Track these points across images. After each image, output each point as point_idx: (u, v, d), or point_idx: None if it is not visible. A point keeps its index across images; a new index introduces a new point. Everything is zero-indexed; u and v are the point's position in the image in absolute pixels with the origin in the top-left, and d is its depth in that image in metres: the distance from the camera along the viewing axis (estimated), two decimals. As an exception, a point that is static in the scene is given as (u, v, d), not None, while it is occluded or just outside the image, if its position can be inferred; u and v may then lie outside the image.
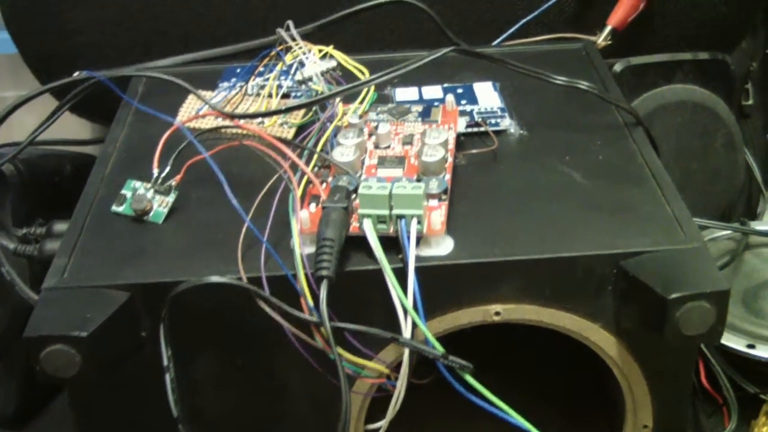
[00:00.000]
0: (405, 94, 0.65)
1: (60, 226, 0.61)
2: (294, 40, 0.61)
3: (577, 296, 0.52)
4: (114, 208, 0.56)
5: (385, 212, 0.50)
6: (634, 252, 0.51)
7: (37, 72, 0.86)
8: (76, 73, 0.59)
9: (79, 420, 0.54)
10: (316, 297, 0.49)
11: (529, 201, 0.55)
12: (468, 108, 0.63)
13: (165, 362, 0.51)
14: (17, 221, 0.66)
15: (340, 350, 0.50)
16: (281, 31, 0.62)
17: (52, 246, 0.59)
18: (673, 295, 0.48)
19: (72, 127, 0.89)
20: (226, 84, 0.67)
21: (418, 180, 0.54)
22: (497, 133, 0.60)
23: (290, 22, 0.62)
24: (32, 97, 0.62)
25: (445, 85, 0.66)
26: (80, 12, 0.81)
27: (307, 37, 0.66)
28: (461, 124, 0.60)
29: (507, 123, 0.61)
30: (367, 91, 0.60)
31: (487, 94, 0.64)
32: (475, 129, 0.61)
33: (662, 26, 0.81)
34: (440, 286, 0.51)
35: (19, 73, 0.89)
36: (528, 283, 0.52)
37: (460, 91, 0.65)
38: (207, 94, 0.65)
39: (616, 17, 0.77)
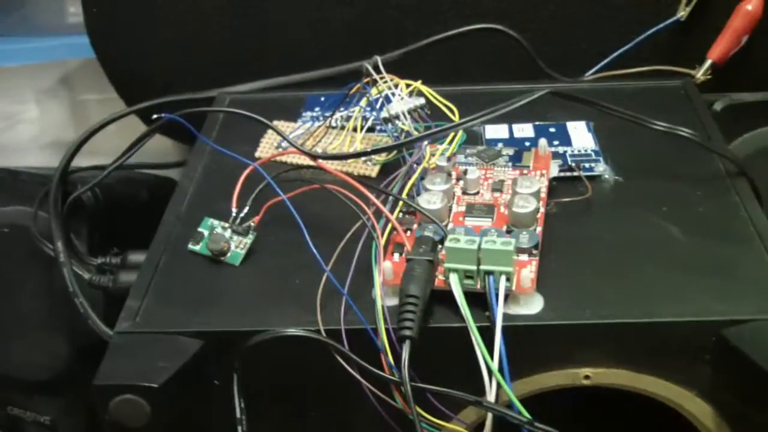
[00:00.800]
0: (495, 131, 0.63)
1: (135, 257, 0.60)
2: (379, 72, 0.59)
3: (672, 363, 0.49)
4: (190, 246, 0.55)
5: (473, 267, 0.48)
6: (736, 320, 0.48)
7: (116, 86, 0.86)
8: (154, 116, 0.57)
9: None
10: (396, 353, 0.47)
11: (623, 258, 0.52)
12: (561, 149, 0.60)
13: (238, 414, 0.49)
14: (92, 249, 0.65)
15: (419, 410, 0.47)
16: (367, 64, 0.59)
17: (127, 278, 0.58)
18: (779, 371, 0.45)
19: (151, 144, 0.88)
20: (309, 114, 0.66)
21: (508, 231, 0.51)
22: (591, 178, 0.58)
23: (378, 57, 0.60)
24: (110, 122, 0.61)
25: (537, 123, 0.63)
26: (160, 34, 0.80)
27: (392, 65, 0.64)
28: (554, 169, 0.57)
29: (602, 168, 0.59)
30: (456, 133, 0.58)
31: (581, 135, 0.62)
32: (569, 174, 0.58)
33: (766, 62, 0.77)
34: (528, 346, 0.49)
35: (103, 77, 0.88)
36: (620, 348, 0.49)
37: (552, 130, 0.62)
38: (289, 125, 0.64)
39: (718, 51, 0.73)
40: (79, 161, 0.65)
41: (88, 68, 0.97)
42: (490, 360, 0.47)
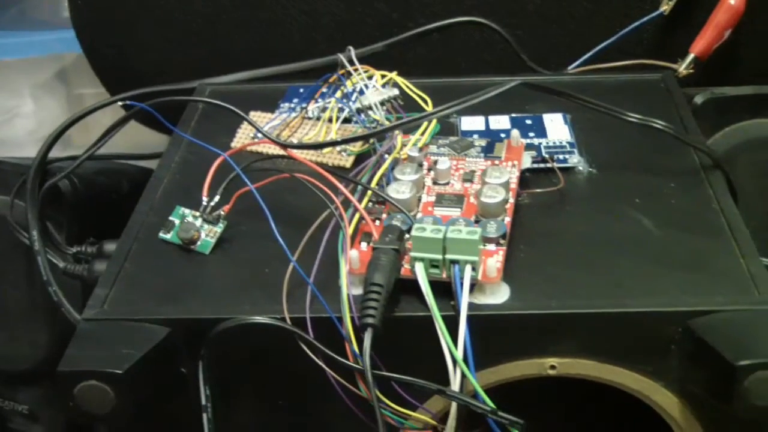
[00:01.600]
0: (471, 123, 0.62)
1: (110, 246, 0.60)
2: (353, 64, 0.59)
3: (640, 354, 0.49)
4: (161, 234, 0.55)
5: (439, 257, 0.48)
6: (703, 311, 0.48)
7: (104, 80, 0.86)
8: (120, 103, 0.57)
9: (114, 457, 0.53)
10: (362, 342, 0.46)
11: (594, 249, 0.52)
12: (536, 141, 0.60)
13: (203, 401, 0.49)
14: (70, 239, 0.65)
15: (384, 399, 0.47)
16: (341, 56, 0.59)
17: (101, 267, 0.58)
18: (743, 362, 0.45)
19: (138, 137, 0.88)
20: (286, 105, 0.65)
21: (477, 221, 0.51)
22: (565, 170, 0.58)
23: (351, 48, 0.60)
24: (82, 117, 0.61)
25: (514, 115, 0.63)
26: (146, 28, 0.80)
27: (375, 57, 0.63)
28: (527, 160, 0.57)
29: (576, 160, 0.58)
30: (429, 123, 0.58)
31: (557, 127, 0.62)
32: (542, 165, 0.58)
33: (749, 57, 0.77)
34: (493, 336, 0.48)
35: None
36: (587, 338, 0.49)
37: (528, 122, 0.62)
38: (266, 116, 0.64)
39: (700, 45, 0.73)
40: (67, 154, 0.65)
41: (85, 62, 0.97)
42: (454, 349, 0.46)
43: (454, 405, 0.48)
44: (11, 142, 1.01)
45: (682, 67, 0.72)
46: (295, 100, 0.65)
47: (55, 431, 0.71)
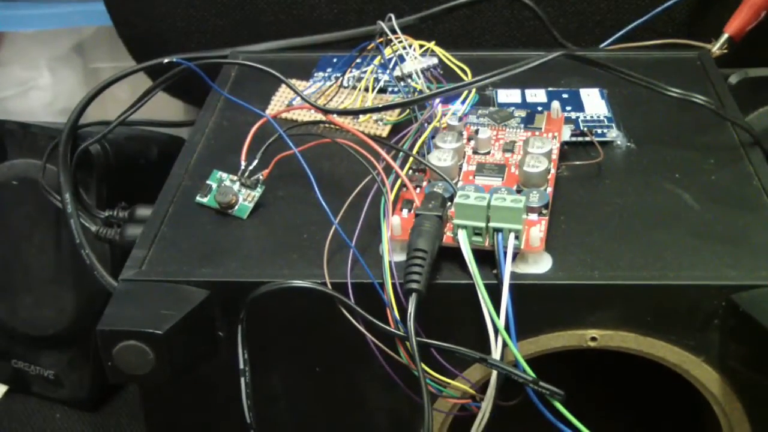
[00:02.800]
0: (507, 95, 0.62)
1: (143, 211, 0.59)
2: (394, 32, 0.58)
3: (680, 328, 0.48)
4: (198, 198, 0.54)
5: (482, 224, 0.47)
6: (747, 285, 0.47)
7: (132, 50, 0.85)
8: (165, 60, 0.57)
9: (149, 419, 0.52)
10: (402, 309, 0.46)
11: (634, 221, 0.51)
12: (573, 115, 0.60)
13: (241, 365, 0.48)
14: (100, 203, 0.64)
15: (424, 367, 0.47)
16: (382, 23, 0.59)
17: (134, 231, 0.57)
18: (788, 337, 0.44)
19: (164, 107, 0.88)
20: (321, 74, 0.65)
21: (518, 191, 0.51)
22: (603, 144, 0.57)
23: (392, 15, 0.59)
24: (119, 79, 0.60)
25: (550, 89, 0.62)
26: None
27: (407, 30, 0.63)
28: (566, 133, 0.56)
29: (614, 134, 0.58)
30: (468, 92, 0.57)
31: (594, 102, 0.61)
32: (580, 139, 0.57)
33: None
34: (535, 306, 0.48)
35: (116, 45, 0.88)
36: (628, 310, 0.48)
37: (565, 96, 0.62)
38: (301, 84, 0.63)
39: (734, 25, 0.72)
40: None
41: (102, 35, 0.96)
42: (496, 318, 0.46)
43: (494, 374, 0.47)
44: (27, 114, 1.00)
45: (716, 47, 0.71)
46: (329, 70, 0.65)
47: (79, 395, 0.70)
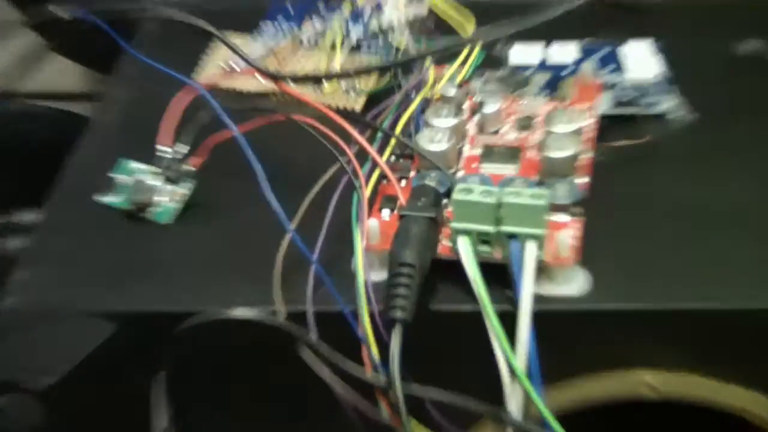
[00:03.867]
0: (524, 53, 0.61)
1: (28, 216, 0.60)
2: (369, -29, 0.59)
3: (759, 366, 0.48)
4: (101, 198, 0.54)
5: (491, 229, 0.46)
6: None
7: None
8: (63, 13, 0.56)
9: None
10: (384, 345, 0.45)
11: (697, 224, 0.51)
12: (614, 78, 0.59)
13: (164, 424, 0.48)
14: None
15: (414, 424, 0.46)
16: (353, -41, 0.59)
17: (15, 243, 0.59)
18: None
19: (59, 74, 0.88)
20: (270, 26, 0.64)
21: (540, 184, 0.50)
22: (656, 117, 0.57)
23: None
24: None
25: (583, 42, 0.62)
26: None
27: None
28: (604, 103, 0.56)
29: (671, 104, 0.57)
30: (470, 51, 0.57)
31: (643, 60, 0.60)
32: (624, 111, 0.57)
33: None
34: (567, 340, 0.48)
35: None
36: (697, 345, 0.48)
37: (603, 52, 0.61)
38: (244, 41, 0.63)
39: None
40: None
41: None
42: (512, 357, 0.45)
43: (510, 433, 0.47)
44: None
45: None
46: (282, 20, 0.65)
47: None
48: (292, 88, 0.55)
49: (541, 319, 0.45)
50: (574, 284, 0.48)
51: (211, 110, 0.52)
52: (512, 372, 0.45)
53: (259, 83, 0.59)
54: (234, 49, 0.55)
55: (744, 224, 0.51)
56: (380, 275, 0.47)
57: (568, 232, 0.48)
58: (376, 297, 0.46)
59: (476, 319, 0.46)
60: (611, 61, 0.60)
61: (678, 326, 0.48)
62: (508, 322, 0.45)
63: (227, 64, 0.62)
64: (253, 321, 0.46)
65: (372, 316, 0.46)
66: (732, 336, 0.48)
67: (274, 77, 0.54)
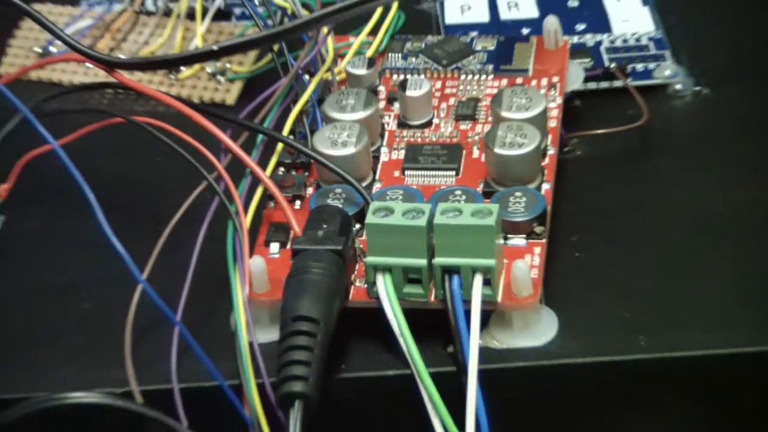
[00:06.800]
0: (463, 9, 0.65)
1: None
2: None
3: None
4: None
5: (421, 262, 0.49)
6: None
7: None
8: None
9: None
10: (281, 430, 0.48)
11: (710, 236, 0.55)
12: (590, 40, 0.63)
13: None
14: None
15: None
16: None
17: None
18: None
19: None
20: (101, -10, 0.67)
21: (487, 194, 0.54)
22: (649, 90, 0.61)
23: None
24: None
25: (544, -9, 0.65)
26: None
27: None
28: (576, 74, 0.60)
29: (668, 71, 0.61)
30: (385, 10, 0.60)
31: (629, 11, 0.65)
32: (604, 85, 0.61)
33: None
34: (532, 408, 0.51)
35: None
36: (709, 405, 0.51)
37: (573, 3, 0.65)
38: (63, 10, 0.66)
39: None
40: None
41: None
42: None
43: None
44: None
45: None
46: (116, -19, 0.68)
47: None
48: (134, 77, 0.58)
49: (494, 381, 0.49)
50: (538, 332, 0.51)
51: (19, 114, 0.54)
52: None
53: (87, 72, 0.63)
54: (44, 23, 0.56)
55: (765, 242, 0.55)
56: (271, 335, 0.50)
57: (528, 260, 0.51)
58: (266, 365, 0.48)
59: (406, 386, 0.48)
60: (588, 15, 0.65)
61: (684, 379, 0.51)
62: (451, 389, 0.48)
63: (42, 48, 0.65)
64: (96, 407, 0.47)
65: (262, 390, 0.48)
66: (756, 385, 0.51)
67: (107, 63, 0.55)
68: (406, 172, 0.55)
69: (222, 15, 0.65)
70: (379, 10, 0.60)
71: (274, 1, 0.60)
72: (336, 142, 0.54)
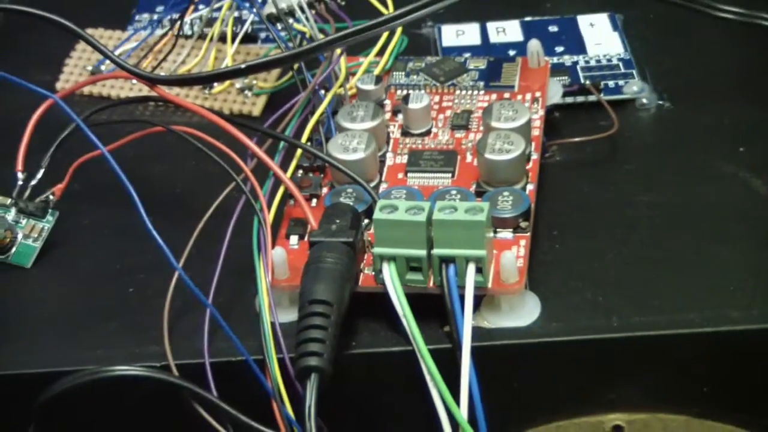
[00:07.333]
0: (458, 34, 0.64)
1: None
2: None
3: (759, 401, 0.50)
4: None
5: (421, 253, 0.48)
6: None
7: None
8: None
9: None
10: (297, 399, 0.47)
11: (670, 231, 0.54)
12: (567, 60, 0.62)
13: None
14: None
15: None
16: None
17: None
18: None
19: None
20: (145, 17, 0.67)
21: (479, 194, 0.53)
22: (618, 104, 0.60)
23: None
24: None
25: (528, 18, 0.65)
26: None
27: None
28: (555, 90, 0.59)
29: (636, 88, 0.60)
30: (390, 34, 0.60)
31: (601, 36, 0.63)
32: (580, 99, 0.60)
33: None
34: (516, 382, 0.50)
35: None
36: (671, 378, 0.50)
37: (554, 29, 0.64)
38: (112, 36, 0.65)
39: None
40: None
41: None
42: (454, 406, 0.47)
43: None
44: None
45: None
46: (159, 9, 0.67)
47: None
48: (173, 91, 0.57)
49: (485, 357, 0.48)
50: (524, 313, 0.50)
51: (73, 124, 0.53)
52: (454, 422, 0.47)
53: (132, 87, 0.62)
54: (97, 46, 0.56)
55: (736, 230, 0.53)
56: (290, 316, 0.49)
57: (515, 251, 0.50)
58: (286, 342, 0.48)
59: (408, 361, 0.48)
60: (566, 39, 0.63)
61: (651, 356, 0.50)
62: (447, 363, 0.47)
63: (93, 66, 0.64)
64: (138, 379, 0.48)
65: (282, 365, 0.47)
66: (720, 365, 0.50)
67: (150, 79, 0.55)
68: (409, 175, 0.55)
69: (249, 38, 0.64)
70: (385, 35, 0.60)
71: (294, 26, 0.59)
72: (348, 148, 0.54)
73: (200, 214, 0.52)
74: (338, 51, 0.58)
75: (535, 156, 0.54)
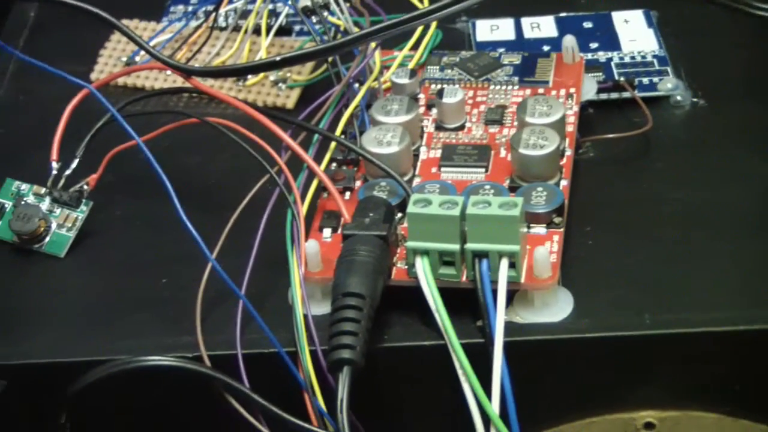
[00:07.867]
0: (492, 29, 0.64)
1: None
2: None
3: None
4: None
5: (455, 247, 0.49)
6: None
7: None
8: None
9: None
10: (329, 392, 0.47)
11: (706, 227, 0.54)
12: (601, 56, 0.62)
13: None
14: None
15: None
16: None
17: None
18: None
19: None
20: (180, 8, 0.67)
21: (513, 189, 0.53)
22: (653, 101, 0.60)
23: None
24: None
25: (563, 14, 0.65)
26: None
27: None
28: (590, 87, 0.59)
29: (670, 85, 0.60)
30: (425, 28, 0.60)
31: (636, 32, 0.63)
32: (615, 95, 0.60)
33: None
34: (549, 376, 0.50)
35: None
36: (703, 375, 0.50)
37: (588, 25, 0.64)
38: (148, 26, 0.65)
39: None
40: None
41: None
42: (486, 401, 0.47)
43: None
44: None
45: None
46: (194, 0, 0.67)
47: None
48: (207, 83, 0.57)
49: (517, 352, 0.48)
50: (556, 309, 0.50)
51: (108, 114, 0.54)
52: (485, 417, 0.47)
53: (167, 78, 0.62)
54: (133, 37, 0.56)
55: (753, 233, 0.53)
56: (323, 308, 0.49)
57: (548, 247, 0.50)
58: (318, 335, 0.48)
59: (440, 355, 0.48)
60: (601, 35, 0.63)
61: (683, 354, 0.50)
62: (479, 358, 0.47)
63: (128, 57, 0.64)
64: (171, 368, 0.48)
65: (314, 357, 0.48)
66: (755, 363, 0.50)
67: (185, 71, 0.55)
68: (442, 169, 0.55)
69: (283, 31, 0.64)
70: (419, 29, 0.60)
71: (329, 19, 0.60)
72: (382, 142, 0.54)
73: (234, 206, 0.52)
74: (373, 45, 0.57)
75: (568, 152, 0.54)
